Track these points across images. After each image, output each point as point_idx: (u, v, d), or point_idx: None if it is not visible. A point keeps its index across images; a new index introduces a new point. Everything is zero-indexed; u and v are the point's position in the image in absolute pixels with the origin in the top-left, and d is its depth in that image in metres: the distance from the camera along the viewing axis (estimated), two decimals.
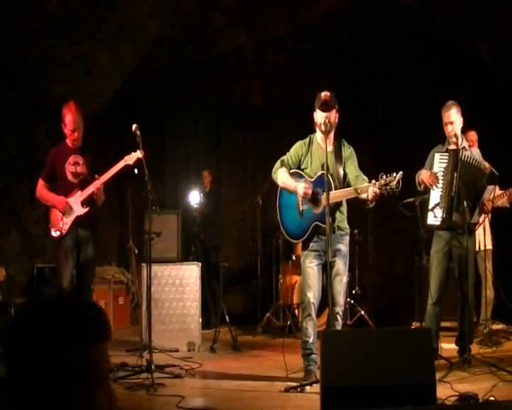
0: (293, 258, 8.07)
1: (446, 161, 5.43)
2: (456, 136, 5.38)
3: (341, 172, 4.93)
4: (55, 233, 5.52)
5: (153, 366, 4.98)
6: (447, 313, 6.03)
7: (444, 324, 5.91)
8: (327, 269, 4.69)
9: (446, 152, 5.47)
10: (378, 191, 4.51)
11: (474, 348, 5.73)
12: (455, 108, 5.44)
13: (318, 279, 4.94)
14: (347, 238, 5.03)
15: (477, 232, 5.85)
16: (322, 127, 4.79)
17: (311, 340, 4.89)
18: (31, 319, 1.25)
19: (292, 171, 5.06)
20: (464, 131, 5.58)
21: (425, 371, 3.72)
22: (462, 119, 5.45)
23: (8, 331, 1.26)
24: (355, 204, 5.23)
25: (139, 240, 8.00)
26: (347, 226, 5.04)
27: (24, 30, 6.71)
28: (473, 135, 6.53)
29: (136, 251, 8.30)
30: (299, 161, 5.03)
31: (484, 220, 5.99)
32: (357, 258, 7.98)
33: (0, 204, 7.39)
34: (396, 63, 8.63)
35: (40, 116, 6.15)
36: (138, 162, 5.52)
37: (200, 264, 6.87)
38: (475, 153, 5.60)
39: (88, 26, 7.09)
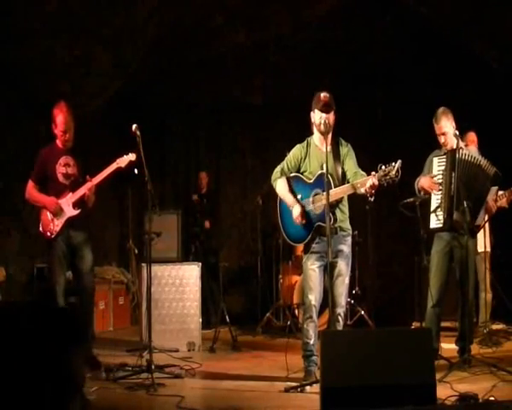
0: (293, 258, 8.08)
1: (445, 163, 5.43)
2: (455, 133, 5.37)
3: (340, 172, 4.92)
4: (46, 235, 5.49)
5: (153, 366, 4.98)
6: (447, 313, 6.02)
7: (444, 324, 5.90)
8: (328, 269, 4.69)
9: (444, 155, 5.47)
10: (377, 182, 4.50)
11: (474, 348, 5.73)
12: (445, 117, 5.42)
13: (320, 281, 4.93)
14: (349, 239, 5.02)
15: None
16: (322, 128, 4.77)
17: (311, 342, 4.89)
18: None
19: (291, 175, 5.06)
20: (463, 131, 5.57)
21: (425, 371, 3.72)
22: (454, 124, 5.43)
23: None
24: (355, 205, 5.24)
25: (139, 240, 8.01)
26: (349, 227, 5.03)
27: (24, 30, 6.71)
28: (472, 136, 6.53)
29: (136, 251, 8.30)
30: (299, 164, 5.03)
31: (486, 222, 5.99)
32: (357, 258, 7.96)
33: (0, 204, 7.39)
34: (396, 63, 8.62)
35: (40, 116, 6.14)
36: (131, 165, 5.51)
37: (200, 264, 6.87)
38: (473, 151, 5.60)
39: (88, 26, 7.08)
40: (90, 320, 5.64)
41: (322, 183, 4.69)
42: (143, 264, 6.38)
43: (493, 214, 5.68)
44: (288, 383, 4.82)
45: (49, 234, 5.46)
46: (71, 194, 5.50)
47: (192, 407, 4.29)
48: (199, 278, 6.75)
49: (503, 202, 6.25)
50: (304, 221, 4.90)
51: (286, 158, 5.11)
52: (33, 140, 6.60)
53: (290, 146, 5.16)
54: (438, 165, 5.48)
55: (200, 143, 9.79)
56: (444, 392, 4.21)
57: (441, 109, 5.46)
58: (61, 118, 5.46)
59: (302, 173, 5.02)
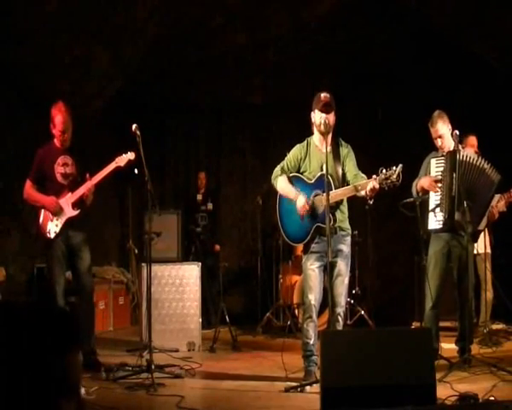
0: (293, 258, 8.07)
1: (443, 164, 5.42)
2: (451, 144, 5.38)
3: (340, 172, 4.93)
4: (45, 235, 5.48)
5: (153, 366, 4.98)
6: (447, 313, 6.03)
7: (444, 324, 5.91)
8: (328, 269, 4.69)
9: (442, 157, 5.47)
10: (377, 186, 4.51)
11: (474, 348, 5.73)
12: (440, 120, 5.42)
13: (320, 281, 4.94)
14: (349, 239, 5.03)
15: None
16: (322, 128, 4.77)
17: (311, 342, 4.89)
18: None
19: (291, 175, 5.06)
20: (464, 134, 5.57)
21: (425, 371, 3.72)
22: (450, 127, 5.43)
23: None
24: (355, 205, 5.24)
25: (139, 240, 8.01)
26: (349, 227, 5.03)
27: (24, 30, 6.71)
28: (472, 140, 6.51)
29: (136, 251, 8.31)
30: (298, 164, 5.04)
31: (486, 226, 6.00)
32: (357, 258, 7.97)
33: (0, 204, 7.38)
34: (396, 63, 8.62)
35: (40, 116, 6.14)
36: (130, 164, 5.51)
37: (200, 264, 6.87)
38: (470, 153, 5.60)
39: (88, 26, 7.08)
40: (90, 320, 5.63)
41: (322, 184, 4.68)
42: (143, 264, 6.38)
43: (495, 221, 5.69)
44: (288, 383, 4.83)
45: (48, 234, 5.45)
46: (70, 194, 5.49)
47: (192, 407, 4.29)
48: (199, 278, 6.75)
49: (501, 205, 6.26)
50: (309, 210, 4.88)
51: (286, 158, 5.11)
52: (33, 140, 6.58)
53: (290, 146, 5.17)
54: (436, 166, 5.48)
55: (200, 143, 9.79)
56: (444, 392, 4.21)
57: (436, 113, 5.47)
58: (59, 118, 5.45)
59: (302, 173, 5.03)
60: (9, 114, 7.40)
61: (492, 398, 4.08)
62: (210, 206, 8.69)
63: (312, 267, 4.90)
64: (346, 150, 5.01)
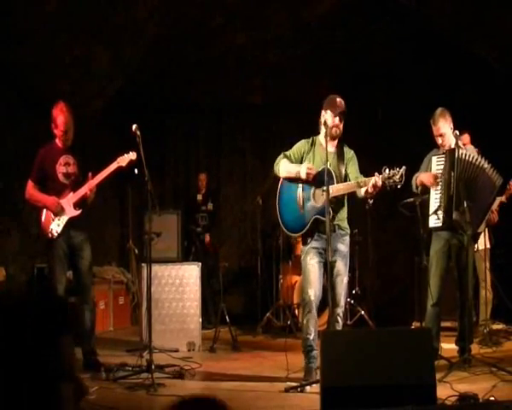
0: (293, 258, 8.07)
1: (444, 162, 5.42)
2: (452, 141, 5.38)
3: (343, 172, 4.97)
4: (47, 235, 5.49)
5: (153, 366, 4.98)
6: (447, 313, 6.03)
7: (444, 324, 5.91)
8: (327, 268, 4.70)
9: (443, 154, 5.47)
10: (380, 182, 4.52)
11: (474, 348, 5.73)
12: (442, 118, 5.43)
13: (319, 276, 4.93)
14: (348, 239, 5.04)
15: None
16: (333, 132, 4.90)
17: (311, 337, 4.89)
18: None
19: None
20: (459, 132, 5.56)
21: (425, 371, 3.72)
22: (452, 125, 5.44)
23: None
24: (355, 205, 5.24)
25: (139, 240, 8.01)
26: (348, 227, 5.05)
27: (24, 30, 6.71)
28: (465, 138, 6.49)
29: (137, 251, 8.30)
30: (302, 157, 5.06)
31: (485, 228, 6.01)
32: (357, 258, 7.98)
33: (0, 204, 7.38)
34: (396, 63, 8.62)
35: (40, 116, 6.14)
36: (131, 164, 5.51)
37: (200, 264, 6.87)
38: (471, 151, 5.60)
39: (88, 26, 7.08)
40: (90, 320, 5.63)
41: (324, 177, 4.70)
42: (143, 264, 6.38)
43: (494, 224, 5.69)
44: (288, 383, 4.83)
45: (50, 234, 5.45)
46: (72, 194, 5.49)
47: None
48: (199, 278, 6.75)
49: (501, 198, 6.27)
50: (314, 171, 4.87)
51: (290, 150, 5.14)
52: (33, 140, 6.59)
53: (290, 146, 5.17)
54: (436, 164, 5.48)
55: (200, 143, 9.79)
56: (444, 392, 4.21)
57: (439, 110, 5.47)
58: (61, 118, 5.45)
59: None
60: (9, 114, 7.40)
61: (492, 398, 4.07)
62: (210, 206, 8.70)
63: (312, 262, 4.91)
64: (350, 154, 5.07)
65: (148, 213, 5.48)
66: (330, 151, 4.90)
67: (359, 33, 8.36)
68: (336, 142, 5.04)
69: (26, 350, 1.18)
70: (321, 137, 5.04)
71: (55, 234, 5.45)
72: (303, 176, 4.89)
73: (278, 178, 5.16)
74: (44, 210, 5.51)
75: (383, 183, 4.53)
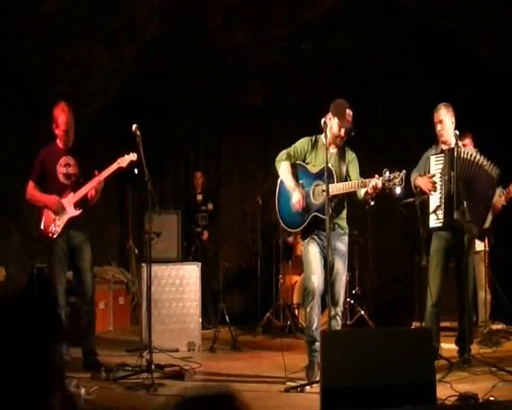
0: (293, 258, 8.07)
1: (442, 161, 5.42)
2: (454, 133, 5.38)
3: (344, 173, 4.98)
4: (47, 234, 5.49)
5: (153, 366, 4.98)
6: (447, 313, 6.03)
7: (444, 324, 5.91)
8: (326, 267, 4.72)
9: (441, 153, 5.47)
10: (380, 184, 4.54)
11: (474, 348, 5.73)
12: (444, 108, 5.48)
13: (321, 266, 4.91)
14: (347, 238, 5.04)
15: None
16: (337, 141, 4.95)
17: (314, 326, 4.87)
18: None
19: (297, 162, 5.09)
20: (460, 133, 5.56)
21: (425, 371, 3.72)
22: (453, 120, 5.45)
23: None
24: (355, 205, 5.24)
25: (139, 240, 8.01)
26: (347, 226, 5.06)
27: (24, 30, 6.71)
28: (467, 141, 6.48)
29: (136, 251, 8.30)
30: (304, 155, 5.07)
31: (491, 222, 6.00)
32: (357, 258, 7.98)
33: (0, 204, 7.38)
34: (396, 63, 8.63)
35: (40, 116, 6.14)
36: (132, 165, 5.51)
37: (200, 264, 6.87)
38: (471, 151, 5.59)
39: (88, 26, 7.08)
40: (91, 320, 5.63)
41: (322, 176, 4.71)
42: (143, 264, 6.37)
43: (500, 212, 5.67)
44: (288, 383, 4.82)
45: (50, 234, 5.46)
46: (72, 194, 5.50)
47: None
48: (199, 278, 6.75)
49: (501, 201, 6.26)
50: (303, 207, 4.92)
51: (292, 146, 5.14)
52: (33, 140, 6.59)
53: (290, 146, 5.17)
54: (435, 163, 5.47)
55: (200, 143, 9.79)
56: (444, 392, 4.22)
57: (443, 102, 5.52)
58: (62, 118, 5.46)
59: (307, 164, 5.06)
60: (9, 114, 7.40)
61: (492, 398, 4.08)
62: (210, 206, 8.70)
63: (313, 251, 4.92)
64: (351, 156, 5.09)
65: (148, 213, 5.48)
66: (332, 152, 4.92)
67: (359, 33, 8.36)
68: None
69: (13, 356, 1.16)
70: (323, 137, 5.04)
71: (56, 233, 5.45)
72: (292, 202, 4.96)
73: (278, 175, 5.18)
74: (45, 210, 5.51)
75: (383, 185, 4.54)
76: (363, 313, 7.60)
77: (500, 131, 7.93)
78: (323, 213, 4.69)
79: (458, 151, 5.31)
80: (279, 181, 5.18)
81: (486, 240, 6.81)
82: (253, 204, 8.09)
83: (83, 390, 4.42)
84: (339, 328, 4.92)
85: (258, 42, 8.51)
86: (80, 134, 5.75)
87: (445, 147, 5.51)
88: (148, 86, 8.92)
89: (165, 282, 6.69)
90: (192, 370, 5.41)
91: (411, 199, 5.52)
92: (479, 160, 5.37)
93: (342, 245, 4.97)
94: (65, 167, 5.54)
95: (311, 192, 4.96)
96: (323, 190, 4.71)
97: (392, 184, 4.52)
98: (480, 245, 6.48)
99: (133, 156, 5.46)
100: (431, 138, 5.70)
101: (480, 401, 4.04)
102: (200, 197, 8.72)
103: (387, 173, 4.54)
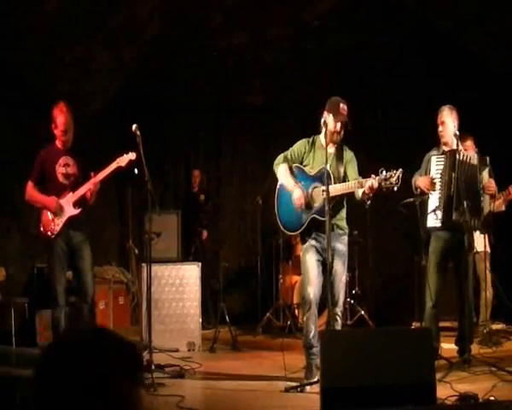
0: (293, 258, 8.07)
1: (443, 162, 5.43)
2: (454, 133, 5.39)
3: (342, 173, 4.97)
4: (46, 235, 5.49)
5: (153, 366, 4.98)
6: (447, 313, 6.03)
7: (444, 324, 5.91)
8: (326, 267, 4.72)
9: (443, 154, 5.48)
10: (376, 184, 4.53)
11: (474, 348, 5.73)
12: (448, 110, 5.49)
13: (318, 274, 4.93)
14: (346, 238, 5.04)
15: (475, 233, 5.82)
16: (334, 137, 4.92)
17: (311, 334, 4.89)
18: (60, 363, 1.16)
19: (294, 165, 5.09)
20: (462, 137, 5.57)
21: (425, 371, 3.72)
22: (456, 122, 5.46)
23: (37, 375, 1.17)
24: (355, 205, 5.24)
25: (139, 240, 8.01)
26: (346, 226, 5.05)
27: (24, 30, 6.71)
28: (469, 145, 6.45)
29: (136, 251, 8.30)
30: (302, 158, 5.07)
31: (492, 206, 5.95)
32: (357, 258, 7.97)
33: (0, 204, 7.38)
34: (396, 63, 8.63)
35: (40, 116, 6.14)
36: (131, 164, 5.51)
37: (200, 264, 6.87)
38: (471, 155, 5.59)
39: (88, 26, 7.08)
40: (91, 320, 5.63)
41: (323, 177, 4.71)
42: (143, 264, 6.37)
43: (493, 193, 5.58)
44: (288, 383, 4.82)
45: (49, 234, 5.45)
46: (71, 194, 5.50)
47: (192, 406, 4.29)
48: (199, 278, 6.75)
49: (498, 204, 6.26)
50: (304, 205, 4.91)
51: (290, 149, 5.14)
52: (33, 140, 6.59)
53: (290, 146, 5.17)
54: (436, 164, 5.49)
55: (200, 143, 9.79)
56: (444, 392, 4.21)
57: (448, 105, 5.54)
58: (61, 118, 5.45)
59: (304, 166, 5.06)
60: (9, 114, 7.40)
61: (492, 398, 4.08)
62: (208, 206, 8.73)
63: (311, 261, 4.92)
64: (349, 156, 5.08)
65: (148, 213, 5.48)
66: (330, 152, 4.92)
67: (359, 33, 8.37)
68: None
69: (97, 400, 1.13)
70: (321, 137, 5.05)
71: (55, 233, 5.45)
72: (293, 200, 4.94)
73: (277, 178, 5.18)
74: (44, 210, 5.51)
75: (379, 184, 4.54)
76: (363, 313, 7.60)
77: (500, 132, 7.93)
78: (322, 215, 4.69)
79: (460, 154, 5.32)
80: (278, 185, 5.18)
81: (487, 239, 6.80)
82: (253, 204, 8.09)
83: None
84: (339, 328, 4.92)
85: (258, 42, 8.51)
86: (80, 134, 5.75)
87: (446, 148, 5.52)
88: (148, 86, 8.92)
89: (165, 282, 6.69)
90: (192, 370, 5.42)
91: (411, 199, 5.53)
92: (475, 160, 5.39)
93: (342, 245, 4.97)
94: (64, 167, 5.54)
95: (310, 194, 4.96)
96: (324, 190, 4.71)
97: (388, 183, 4.52)
98: (480, 245, 6.48)
99: (132, 155, 5.46)
100: (431, 138, 5.70)
101: (480, 401, 4.04)
102: (202, 197, 8.73)
103: (384, 172, 4.54)
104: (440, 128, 5.51)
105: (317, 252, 4.93)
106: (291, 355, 5.50)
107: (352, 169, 5.02)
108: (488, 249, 6.84)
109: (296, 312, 7.66)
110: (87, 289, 5.58)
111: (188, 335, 6.62)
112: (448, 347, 5.81)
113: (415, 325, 6.85)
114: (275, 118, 9.44)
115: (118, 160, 5.50)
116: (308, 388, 4.69)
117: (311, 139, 5.10)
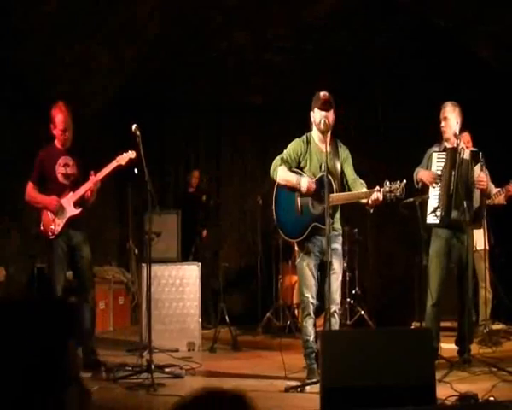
0: (293, 258, 8.07)
1: (444, 160, 5.43)
2: (454, 132, 5.39)
3: (339, 169, 4.98)
4: (47, 235, 5.49)
5: (153, 366, 4.98)
6: (447, 313, 6.02)
7: (444, 324, 5.90)
8: (322, 268, 4.79)
9: (444, 151, 5.49)
10: (381, 198, 4.57)
11: (474, 348, 5.73)
12: (451, 106, 5.50)
13: (315, 278, 4.98)
14: (341, 238, 5.09)
15: (474, 232, 5.82)
16: (322, 126, 4.81)
17: (311, 339, 4.90)
18: None
19: (292, 170, 5.06)
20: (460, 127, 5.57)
21: (425, 372, 3.72)
22: (459, 120, 5.46)
23: None
24: (355, 205, 5.24)
25: (139, 240, 8.00)
26: (340, 227, 5.09)
27: (24, 30, 6.71)
28: (465, 136, 6.47)
29: (136, 251, 8.29)
30: (298, 159, 5.04)
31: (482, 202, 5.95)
32: (357, 258, 7.97)
33: (0, 204, 7.38)
34: (396, 63, 8.62)
35: (40, 116, 6.14)
36: (130, 163, 5.51)
37: (200, 264, 6.87)
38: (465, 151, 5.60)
39: (88, 26, 7.08)
40: (91, 320, 5.63)
41: (323, 184, 4.69)
42: (143, 264, 6.37)
43: (484, 187, 5.51)
44: (288, 383, 4.82)
45: (50, 234, 5.45)
46: (71, 193, 5.50)
47: None
48: (199, 278, 6.75)
49: (500, 199, 6.26)
50: (316, 189, 4.86)
51: (284, 151, 5.09)
52: (33, 140, 6.59)
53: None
54: (437, 161, 5.49)
55: (200, 143, 9.79)
56: (444, 392, 4.22)
57: (451, 101, 5.55)
58: (60, 117, 5.45)
59: (302, 169, 5.03)
60: (9, 114, 7.40)
61: (492, 398, 4.08)
62: (210, 204, 8.75)
63: (308, 267, 4.95)
64: (345, 153, 5.06)
65: (148, 213, 5.48)
66: (325, 150, 4.85)
67: (359, 33, 8.36)
68: (329, 138, 4.97)
69: (33, 357, 1.18)
70: (314, 134, 5.02)
71: (56, 233, 5.45)
72: (303, 189, 4.88)
73: (275, 182, 5.16)
74: (45, 210, 5.51)
75: (384, 196, 4.57)
76: (363, 313, 7.59)
77: (500, 132, 7.93)
78: (323, 222, 4.68)
79: (461, 152, 5.32)
80: (275, 189, 5.15)
81: (487, 238, 6.80)
82: (253, 204, 8.09)
83: None
84: (337, 326, 4.94)
85: (259, 42, 8.51)
86: (80, 134, 5.75)
87: (448, 145, 5.52)
88: (148, 86, 8.92)
89: (165, 282, 6.69)
90: (192, 370, 5.42)
91: (411, 199, 5.52)
92: (466, 156, 5.41)
93: (338, 245, 5.00)
94: (64, 167, 5.54)
95: (310, 202, 4.95)
96: (323, 192, 4.70)
97: (393, 195, 4.55)
98: (480, 243, 6.48)
99: (132, 154, 5.47)
100: (431, 138, 5.70)
101: (480, 401, 4.04)
102: (204, 197, 8.74)
103: (388, 183, 4.56)
104: (443, 123, 5.50)
105: (315, 256, 4.95)
106: (291, 355, 5.50)
107: (348, 168, 5.01)
108: (487, 247, 6.83)
109: (296, 312, 7.66)
110: (86, 288, 5.58)
111: (188, 335, 6.62)
112: (448, 347, 5.81)
113: (415, 325, 6.84)
114: (275, 118, 9.43)
115: (117, 158, 5.50)
116: (308, 388, 4.69)
117: (305, 138, 5.07)
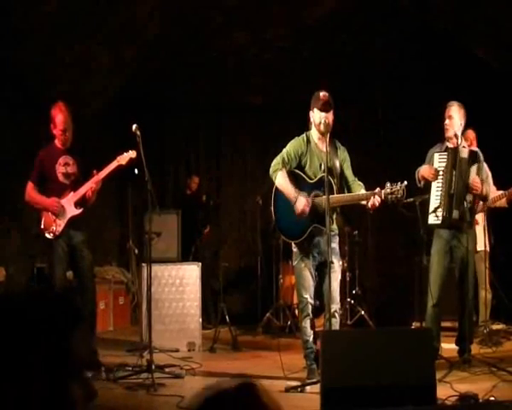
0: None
1: (445, 159, 5.44)
2: (455, 133, 5.38)
3: (338, 168, 4.98)
4: (48, 235, 5.48)
5: (153, 366, 4.98)
6: (447, 313, 6.02)
7: (444, 324, 5.91)
8: (320, 268, 4.82)
9: (445, 151, 5.49)
10: (382, 198, 4.56)
11: (474, 348, 5.73)
12: (457, 106, 5.49)
13: (312, 279, 4.98)
14: (337, 237, 5.10)
15: (476, 232, 5.83)
16: (322, 127, 4.79)
17: (311, 339, 4.91)
18: None
19: (292, 171, 5.04)
20: (462, 129, 5.57)
21: (425, 372, 3.73)
22: (463, 120, 5.45)
23: None
24: (355, 205, 5.25)
25: (139, 240, 8.00)
26: (336, 228, 5.08)
27: (24, 30, 6.71)
28: (470, 133, 6.47)
29: (137, 251, 8.29)
30: (299, 158, 5.02)
31: (483, 208, 5.96)
32: (357, 258, 7.97)
33: (0, 204, 7.38)
34: (396, 64, 8.62)
35: (40, 116, 6.15)
36: (131, 162, 5.51)
37: (200, 264, 6.87)
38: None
39: (88, 26, 7.08)
40: (92, 320, 5.63)
41: (323, 184, 4.69)
42: (143, 264, 6.37)
43: (478, 192, 5.49)
44: (289, 383, 4.82)
45: (51, 234, 5.46)
46: (72, 193, 5.50)
47: None
48: (199, 278, 6.75)
49: (502, 202, 6.26)
50: (309, 211, 4.87)
51: (284, 150, 5.06)
52: (33, 140, 6.59)
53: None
54: (438, 160, 5.49)
55: (200, 143, 9.80)
56: (444, 392, 4.21)
57: (458, 102, 5.54)
58: (60, 117, 5.46)
59: (302, 169, 5.02)
60: (9, 114, 7.40)
61: (492, 398, 4.08)
62: (211, 203, 8.76)
63: (306, 269, 4.96)
64: (343, 154, 5.06)
65: (148, 213, 5.48)
66: (325, 150, 4.85)
67: (359, 34, 8.37)
68: (328, 137, 4.92)
69: (35, 351, 1.18)
70: (313, 133, 5.01)
71: (57, 234, 5.45)
72: (297, 211, 4.86)
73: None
74: (45, 211, 5.50)
75: (385, 197, 4.57)
76: (363, 313, 7.59)
77: (500, 132, 7.93)
78: (322, 223, 4.68)
79: (462, 152, 5.33)
80: (274, 190, 5.14)
81: (487, 239, 6.80)
82: (253, 204, 8.09)
83: None
84: (337, 326, 4.94)
85: (258, 42, 8.50)
86: (80, 134, 5.75)
87: (449, 144, 5.51)
88: (148, 86, 8.92)
89: (165, 282, 6.69)
90: (192, 370, 5.42)
91: (411, 199, 5.52)
92: (464, 154, 5.41)
93: (335, 244, 5.00)
94: (64, 167, 5.54)
95: (311, 202, 4.94)
96: (324, 192, 4.70)
97: (394, 196, 4.55)
98: (480, 245, 6.48)
99: (132, 154, 5.47)
100: (431, 139, 5.70)
101: (480, 401, 4.05)
102: (204, 197, 8.74)
103: (388, 185, 4.56)
104: (447, 121, 5.47)
105: (313, 257, 4.95)
106: (291, 355, 5.50)
107: (348, 170, 5.03)
108: (488, 249, 6.84)
109: (296, 312, 7.65)
110: (87, 288, 5.58)
111: (188, 335, 6.62)
112: (448, 347, 5.81)
113: (415, 325, 6.84)
114: (275, 118, 9.43)
115: (118, 158, 5.51)
116: (308, 388, 4.69)
117: (304, 137, 5.05)
